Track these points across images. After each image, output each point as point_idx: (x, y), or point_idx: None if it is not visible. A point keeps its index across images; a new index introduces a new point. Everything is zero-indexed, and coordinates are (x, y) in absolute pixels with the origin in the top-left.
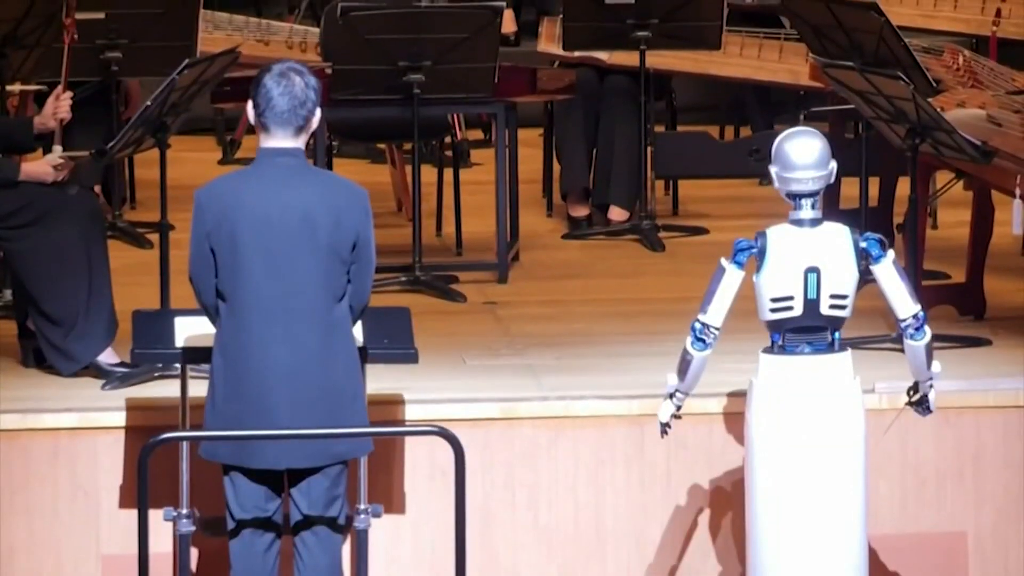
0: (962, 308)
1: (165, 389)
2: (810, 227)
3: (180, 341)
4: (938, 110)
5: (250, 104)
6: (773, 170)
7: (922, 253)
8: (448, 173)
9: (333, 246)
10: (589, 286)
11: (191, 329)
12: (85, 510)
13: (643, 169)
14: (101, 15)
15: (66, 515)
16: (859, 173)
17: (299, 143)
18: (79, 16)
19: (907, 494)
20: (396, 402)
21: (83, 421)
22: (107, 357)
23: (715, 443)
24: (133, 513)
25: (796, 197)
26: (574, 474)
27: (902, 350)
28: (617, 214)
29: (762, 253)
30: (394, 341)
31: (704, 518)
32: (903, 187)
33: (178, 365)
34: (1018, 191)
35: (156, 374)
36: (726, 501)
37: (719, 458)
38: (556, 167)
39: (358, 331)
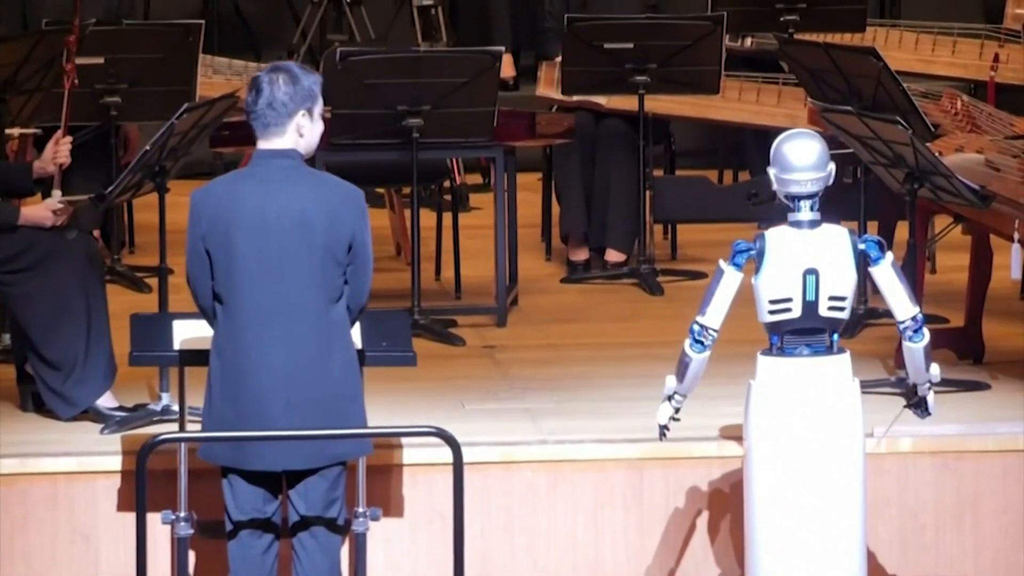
0: (961, 352)
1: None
2: (809, 229)
3: (177, 344)
4: (936, 155)
5: None
6: (772, 172)
7: (921, 297)
8: (447, 217)
9: (329, 247)
10: (588, 330)
11: (189, 332)
12: (84, 554)
13: (641, 213)
14: (101, 60)
15: (65, 559)
16: (858, 217)
17: (291, 144)
18: (79, 61)
19: (906, 538)
20: (394, 446)
21: (82, 465)
22: (106, 401)
23: (713, 504)
24: (131, 559)
25: (795, 199)
26: (573, 518)
27: (902, 394)
28: (613, 255)
29: (760, 255)
30: (392, 344)
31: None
32: (902, 231)
33: (176, 408)
34: (1016, 235)
35: (155, 418)
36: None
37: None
38: (555, 211)
39: (356, 334)
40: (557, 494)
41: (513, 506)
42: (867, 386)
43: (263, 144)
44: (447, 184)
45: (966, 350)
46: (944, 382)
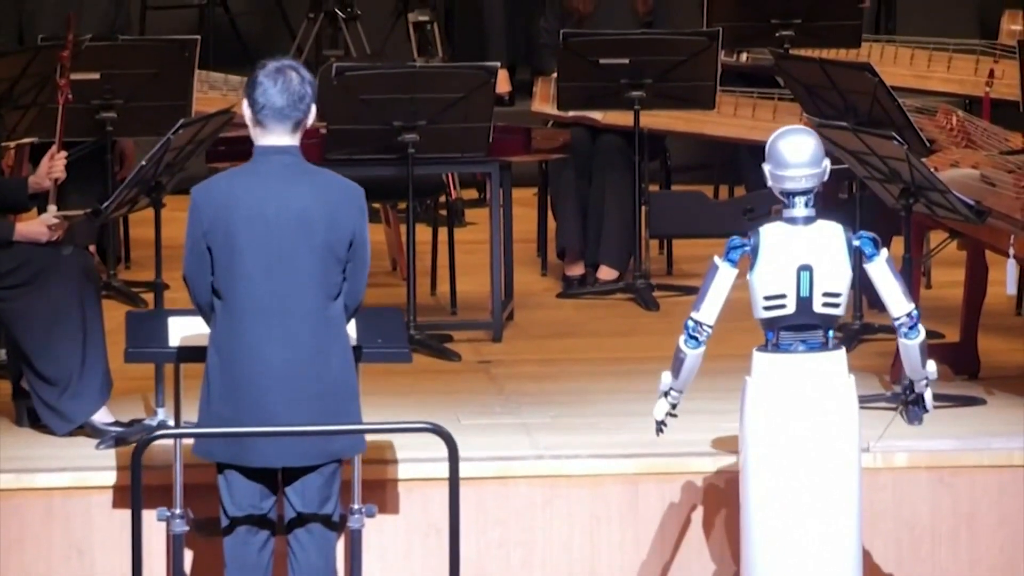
0: (956, 367)
1: (159, 447)
2: (803, 225)
3: (174, 341)
4: (932, 170)
5: (245, 103)
6: (766, 168)
7: None
8: (443, 232)
9: (329, 244)
10: (583, 345)
11: (185, 329)
12: (79, 570)
13: (637, 228)
14: (96, 75)
15: (60, 574)
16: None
17: (295, 140)
18: (74, 76)
19: (902, 553)
20: (389, 460)
21: (77, 481)
22: (102, 416)
23: (709, 501)
24: (127, 573)
25: (789, 195)
26: (569, 533)
27: (897, 408)
28: (606, 273)
29: (755, 251)
30: (388, 341)
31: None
32: (897, 247)
33: (171, 423)
34: (1012, 251)
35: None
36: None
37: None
38: (551, 226)
39: (352, 330)
40: (553, 509)
41: (509, 521)
42: (862, 401)
43: (266, 140)
44: (443, 199)
45: (962, 365)
46: (940, 397)
